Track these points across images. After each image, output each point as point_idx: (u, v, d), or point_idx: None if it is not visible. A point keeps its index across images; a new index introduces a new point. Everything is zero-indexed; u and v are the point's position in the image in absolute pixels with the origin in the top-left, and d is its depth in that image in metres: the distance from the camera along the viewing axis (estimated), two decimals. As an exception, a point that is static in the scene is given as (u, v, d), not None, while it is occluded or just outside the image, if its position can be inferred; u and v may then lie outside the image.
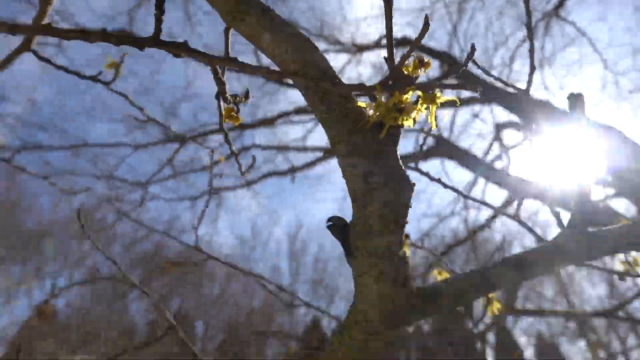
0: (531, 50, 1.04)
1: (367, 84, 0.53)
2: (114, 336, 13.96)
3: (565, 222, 0.73)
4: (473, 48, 0.53)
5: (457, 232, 6.70)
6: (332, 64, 0.58)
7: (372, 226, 0.55)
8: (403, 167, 0.57)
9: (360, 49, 5.43)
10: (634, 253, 1.10)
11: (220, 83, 0.73)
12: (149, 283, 17.04)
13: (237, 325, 16.69)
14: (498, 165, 4.45)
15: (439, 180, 1.25)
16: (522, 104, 3.89)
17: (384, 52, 0.52)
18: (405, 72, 0.52)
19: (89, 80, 1.09)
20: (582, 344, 16.73)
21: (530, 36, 1.04)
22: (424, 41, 0.50)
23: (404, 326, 0.65)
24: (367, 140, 0.55)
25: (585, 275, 16.11)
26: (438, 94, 0.53)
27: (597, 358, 15.79)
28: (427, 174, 1.30)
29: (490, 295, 1.34)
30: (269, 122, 4.82)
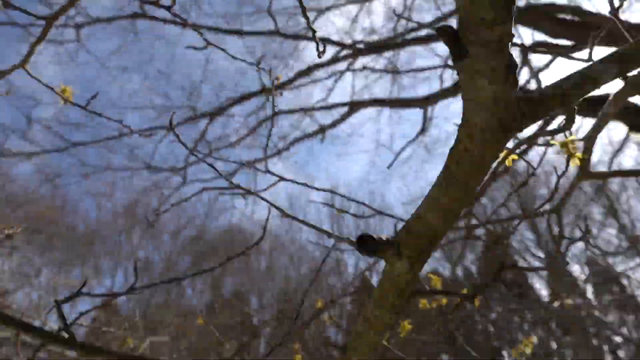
0: None
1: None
2: (176, 321, 14.49)
3: None
4: None
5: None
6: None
7: (485, 17, 0.57)
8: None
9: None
10: None
11: None
12: (199, 266, 17.58)
13: (288, 293, 17.11)
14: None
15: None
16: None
17: None
18: None
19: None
20: (635, 263, 16.49)
21: None
22: None
23: (517, 132, 0.68)
24: None
25: (633, 195, 15.72)
26: None
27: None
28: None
29: (570, 145, 1.34)
30: (289, 82, 4.82)
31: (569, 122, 1.13)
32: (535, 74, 4.45)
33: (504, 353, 19.77)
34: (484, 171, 0.70)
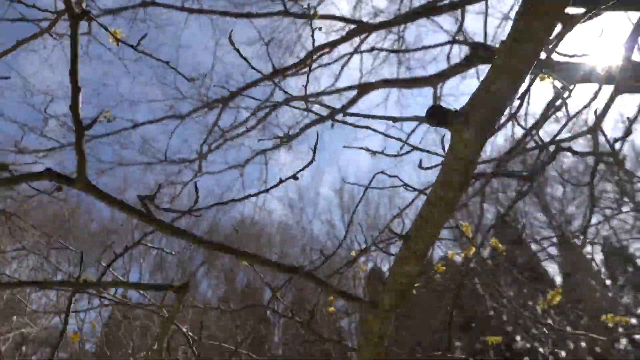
0: None
1: None
2: (191, 315, 14.69)
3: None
4: None
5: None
6: None
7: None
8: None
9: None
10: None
11: None
12: (213, 260, 17.78)
13: (302, 285, 17.23)
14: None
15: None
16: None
17: None
18: None
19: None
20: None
21: None
22: None
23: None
24: None
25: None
26: None
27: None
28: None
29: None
30: (299, 64, 4.81)
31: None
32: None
33: (517, 337, 19.78)
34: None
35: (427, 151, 2.14)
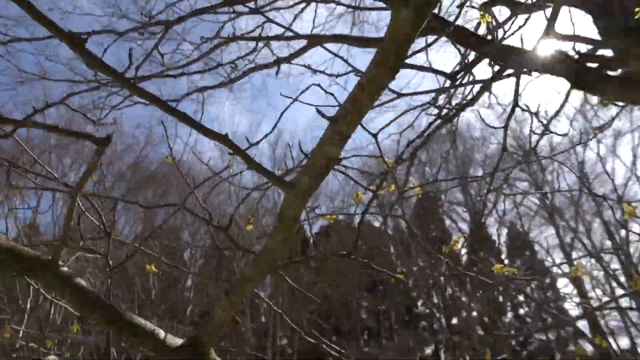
0: None
1: None
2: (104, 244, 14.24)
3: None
4: None
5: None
6: None
7: None
8: None
9: None
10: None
11: None
12: (135, 195, 17.20)
13: (222, 231, 17.19)
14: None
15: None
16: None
17: None
18: None
19: None
20: (551, 230, 17.98)
21: None
22: None
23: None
24: None
25: (556, 168, 16.84)
26: None
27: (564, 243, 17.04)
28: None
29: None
30: None
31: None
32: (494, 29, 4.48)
33: (419, 303, 21.24)
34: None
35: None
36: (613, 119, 3.74)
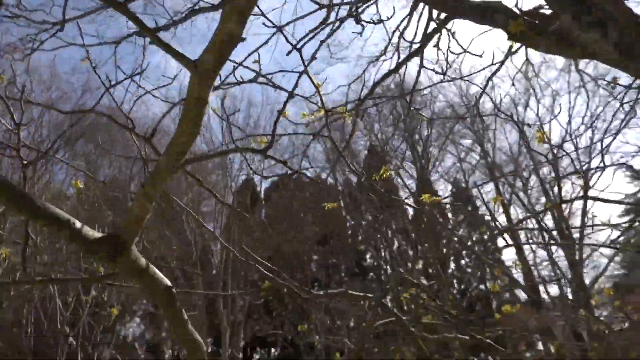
0: None
1: None
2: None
3: None
4: None
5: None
6: None
7: None
8: None
9: None
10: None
11: None
12: (72, 147, 16.38)
13: (145, 141, 16.86)
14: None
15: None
16: None
17: None
18: None
19: None
20: (491, 189, 18.81)
21: None
22: None
23: None
24: None
25: (498, 127, 17.45)
26: None
27: (504, 207, 17.91)
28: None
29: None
30: None
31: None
32: None
33: (367, 256, 21.93)
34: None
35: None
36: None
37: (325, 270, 21.14)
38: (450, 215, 21.02)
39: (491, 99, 12.32)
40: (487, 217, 19.06)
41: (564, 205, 15.24)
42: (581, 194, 15.19)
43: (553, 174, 16.19)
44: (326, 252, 20.56)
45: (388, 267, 19.45)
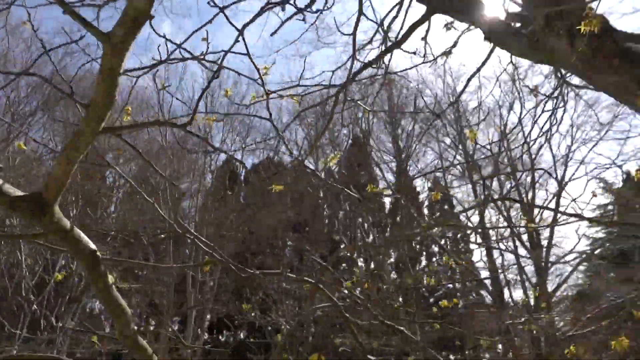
0: None
1: None
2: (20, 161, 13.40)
3: None
4: None
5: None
6: None
7: None
8: None
9: None
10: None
11: None
12: (52, 112, 16.00)
13: (83, 107, 16.70)
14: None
15: None
16: None
17: None
18: None
19: None
20: (468, 187, 19.03)
21: None
22: None
23: None
24: None
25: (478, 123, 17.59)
26: None
27: (481, 202, 18.14)
28: None
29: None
30: None
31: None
32: None
33: (342, 246, 22.06)
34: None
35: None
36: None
37: (299, 257, 21.22)
38: (426, 211, 21.27)
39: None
40: (462, 218, 19.33)
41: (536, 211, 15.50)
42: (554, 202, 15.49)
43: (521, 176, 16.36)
44: (301, 238, 20.62)
45: (361, 259, 19.62)
